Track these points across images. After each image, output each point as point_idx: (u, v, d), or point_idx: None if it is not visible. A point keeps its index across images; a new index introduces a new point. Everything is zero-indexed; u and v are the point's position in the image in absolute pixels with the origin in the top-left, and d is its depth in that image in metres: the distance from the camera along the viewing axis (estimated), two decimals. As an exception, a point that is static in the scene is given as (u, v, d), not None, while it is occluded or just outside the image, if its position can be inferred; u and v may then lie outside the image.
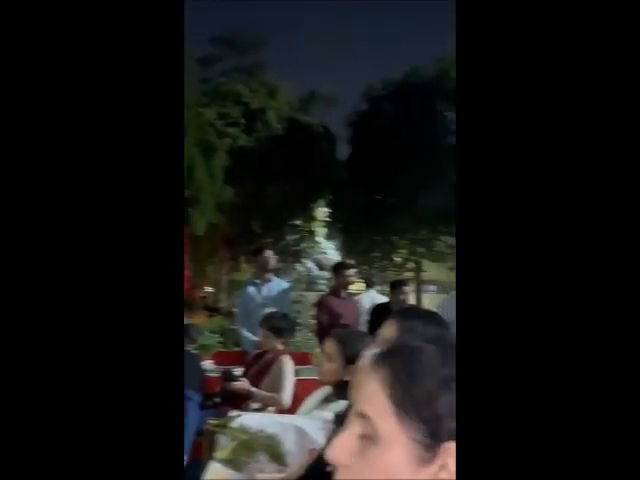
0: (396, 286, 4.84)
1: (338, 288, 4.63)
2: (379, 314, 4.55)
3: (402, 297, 4.75)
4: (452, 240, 18.36)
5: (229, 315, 9.29)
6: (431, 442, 0.68)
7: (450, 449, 0.69)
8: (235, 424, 2.19)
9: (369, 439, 0.66)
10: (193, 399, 3.37)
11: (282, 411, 3.07)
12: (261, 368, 3.33)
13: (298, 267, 8.83)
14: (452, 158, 14.45)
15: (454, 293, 5.80)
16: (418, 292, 20.57)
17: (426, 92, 15.07)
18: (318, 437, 1.98)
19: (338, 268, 4.68)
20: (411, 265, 19.65)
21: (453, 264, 19.48)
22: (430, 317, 1.56)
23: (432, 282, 21.71)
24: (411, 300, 19.30)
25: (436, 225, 17.55)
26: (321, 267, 8.69)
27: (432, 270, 20.94)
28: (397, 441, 0.66)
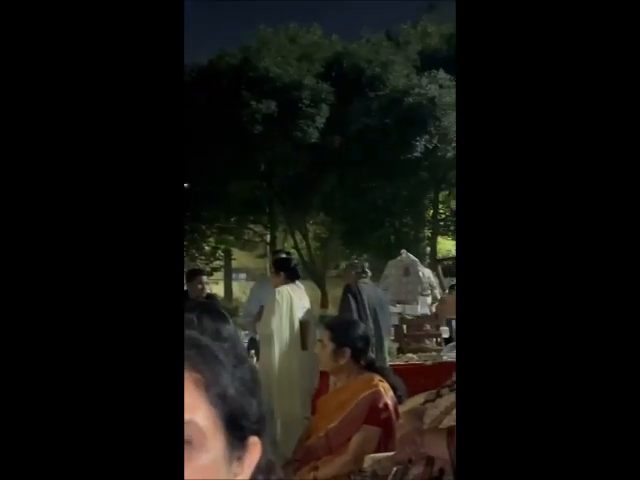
0: (192, 276, 4.76)
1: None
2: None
3: (199, 287, 4.70)
4: (260, 228, 18.66)
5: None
6: (240, 438, 0.68)
7: (254, 443, 0.70)
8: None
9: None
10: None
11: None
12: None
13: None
14: (259, 147, 14.66)
15: (260, 282, 5.91)
16: (228, 280, 20.64)
17: (232, 80, 15.06)
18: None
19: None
20: (220, 254, 19.63)
21: (261, 251, 19.81)
22: (207, 310, 1.56)
23: (242, 270, 21.91)
24: (220, 288, 19.35)
25: (245, 214, 17.70)
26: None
27: (241, 258, 21.13)
28: (214, 442, 0.66)
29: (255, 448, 0.70)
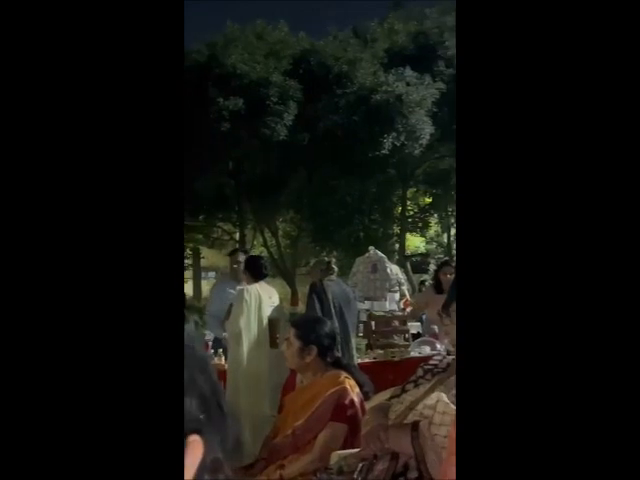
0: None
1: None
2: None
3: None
4: (229, 226, 18.54)
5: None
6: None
7: (195, 441, 0.69)
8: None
9: None
10: None
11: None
12: None
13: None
14: (227, 144, 14.56)
15: (222, 281, 5.85)
16: (196, 279, 20.49)
17: (198, 76, 14.93)
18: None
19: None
20: (189, 252, 19.46)
21: (230, 250, 19.66)
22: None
23: (211, 268, 21.76)
24: (189, 287, 19.18)
25: (213, 212, 17.58)
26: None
27: (210, 257, 20.98)
28: None
29: (196, 446, 0.69)
